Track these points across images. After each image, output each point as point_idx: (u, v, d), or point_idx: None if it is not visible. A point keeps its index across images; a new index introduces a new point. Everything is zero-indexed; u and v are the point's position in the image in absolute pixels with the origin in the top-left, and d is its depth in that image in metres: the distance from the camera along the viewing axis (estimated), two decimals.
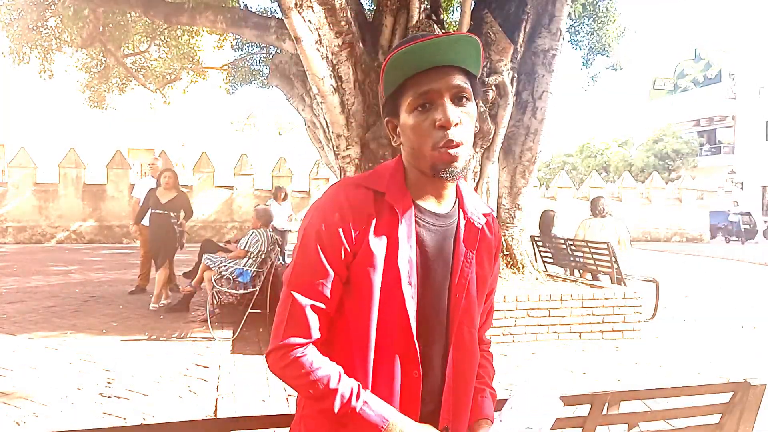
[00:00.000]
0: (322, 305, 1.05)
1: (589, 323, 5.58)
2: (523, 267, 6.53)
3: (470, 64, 1.07)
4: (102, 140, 21.66)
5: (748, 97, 34.75)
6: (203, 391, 3.90)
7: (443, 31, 6.37)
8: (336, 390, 1.01)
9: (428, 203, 1.12)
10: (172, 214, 6.68)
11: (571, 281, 6.55)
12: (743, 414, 1.47)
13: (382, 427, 1.00)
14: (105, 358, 4.61)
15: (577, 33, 11.46)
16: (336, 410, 1.01)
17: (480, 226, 1.16)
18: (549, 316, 5.48)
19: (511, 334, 5.37)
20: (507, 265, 6.50)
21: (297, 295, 1.04)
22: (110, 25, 10.69)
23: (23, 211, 15.38)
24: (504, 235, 6.60)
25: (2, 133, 22.80)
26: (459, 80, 1.05)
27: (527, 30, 6.52)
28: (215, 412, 3.55)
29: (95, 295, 7.49)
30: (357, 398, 1.01)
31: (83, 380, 4.06)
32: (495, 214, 1.26)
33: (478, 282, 1.15)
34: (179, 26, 10.77)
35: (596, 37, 11.26)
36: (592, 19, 11.01)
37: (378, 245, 1.05)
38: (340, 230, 1.04)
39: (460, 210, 1.16)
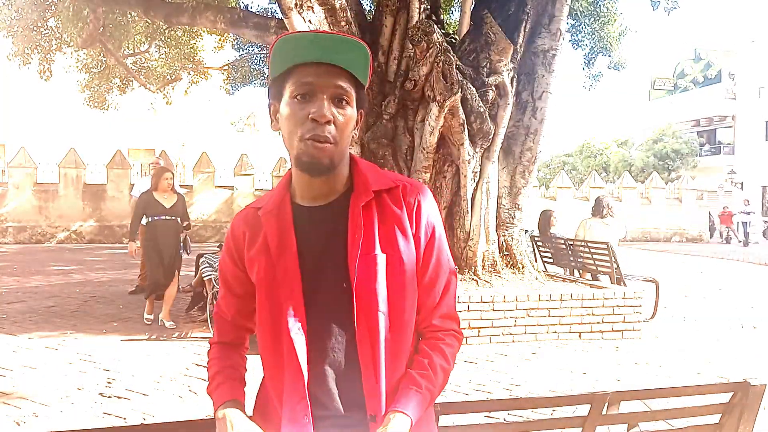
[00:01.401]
0: (227, 317, 1.25)
1: (589, 323, 5.57)
2: (522, 267, 6.53)
3: (357, 70, 1.09)
4: (102, 140, 21.65)
5: (748, 97, 34.76)
6: (203, 391, 3.90)
7: (442, 31, 6.37)
8: (212, 375, 1.23)
9: (307, 199, 1.15)
10: (178, 220, 5.96)
11: (571, 281, 6.55)
12: (743, 414, 1.47)
13: (217, 406, 1.18)
14: (105, 358, 4.62)
15: (578, 33, 11.47)
16: (208, 390, 1.22)
17: (363, 203, 1.12)
18: (549, 316, 5.48)
19: (511, 334, 5.37)
20: (507, 265, 6.51)
21: (215, 307, 1.28)
22: (110, 26, 10.70)
23: (23, 211, 15.39)
24: (504, 235, 6.60)
25: (2, 133, 22.81)
26: (342, 82, 1.07)
27: (527, 30, 6.52)
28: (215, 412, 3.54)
29: (95, 295, 7.49)
30: (218, 380, 1.20)
31: (83, 380, 4.06)
32: (416, 184, 1.19)
33: (389, 263, 1.11)
34: (179, 26, 10.77)
35: (597, 37, 11.27)
36: (593, 19, 11.02)
37: (253, 254, 1.16)
38: (228, 256, 1.22)
39: (352, 195, 1.14)
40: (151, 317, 5.93)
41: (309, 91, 1.06)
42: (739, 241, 20.88)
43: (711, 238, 22.15)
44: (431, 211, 1.18)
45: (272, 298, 1.12)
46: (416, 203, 1.15)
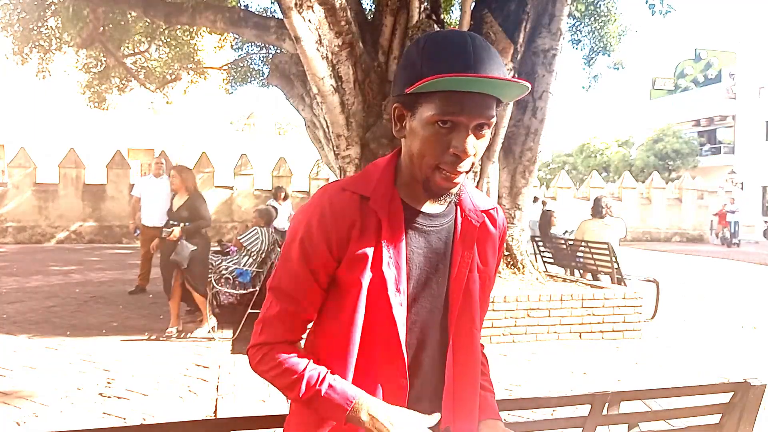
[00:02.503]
0: (298, 310, 1.07)
1: (589, 323, 5.57)
2: (523, 267, 6.53)
3: (507, 96, 1.01)
4: (102, 140, 21.66)
5: (748, 97, 34.75)
6: (203, 391, 3.90)
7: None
8: (302, 376, 1.03)
9: (420, 203, 1.09)
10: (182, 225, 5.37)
11: (571, 281, 6.55)
12: (743, 414, 1.46)
13: (347, 408, 1.00)
14: (105, 358, 4.61)
15: (578, 33, 11.47)
16: (301, 395, 1.02)
17: (478, 224, 1.13)
18: (549, 316, 5.48)
19: (511, 334, 5.37)
20: (507, 265, 6.50)
21: (275, 299, 1.08)
22: (110, 25, 10.70)
23: (23, 211, 15.38)
24: None
25: (2, 133, 22.80)
26: (491, 112, 0.98)
27: (527, 30, 6.52)
28: (215, 412, 3.55)
29: (95, 295, 7.49)
30: (322, 382, 1.02)
31: (83, 380, 4.06)
32: (498, 206, 1.24)
33: (481, 280, 1.14)
34: (179, 26, 10.77)
35: (597, 37, 11.27)
36: (593, 18, 11.02)
37: (361, 252, 1.03)
38: (322, 237, 1.03)
39: (458, 207, 1.13)
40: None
41: (456, 121, 0.97)
42: (732, 242, 19.98)
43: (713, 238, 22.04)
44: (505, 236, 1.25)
45: (376, 301, 1.05)
46: (503, 227, 1.20)
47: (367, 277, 1.03)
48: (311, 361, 1.06)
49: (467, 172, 1.02)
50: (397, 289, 1.04)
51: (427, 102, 0.97)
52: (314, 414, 1.07)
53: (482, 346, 1.28)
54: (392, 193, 1.07)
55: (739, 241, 20.64)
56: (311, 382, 1.02)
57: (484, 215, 1.16)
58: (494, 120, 1.01)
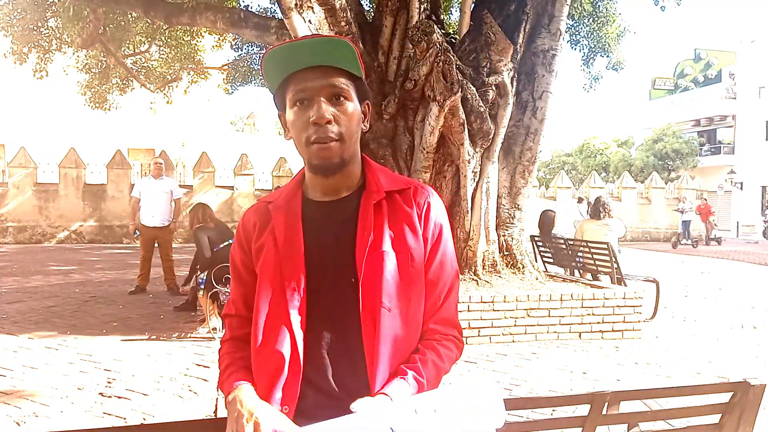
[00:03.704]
0: (234, 311, 1.26)
1: (589, 323, 5.58)
2: (523, 267, 6.53)
3: (348, 65, 1.12)
4: (102, 140, 21.66)
5: (748, 97, 34.76)
6: (203, 391, 3.90)
7: (442, 31, 6.37)
8: (223, 368, 1.21)
9: (319, 195, 1.19)
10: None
11: (571, 281, 6.55)
12: (743, 414, 1.47)
13: (229, 391, 1.12)
14: (105, 358, 4.62)
15: (577, 33, 11.47)
16: (219, 382, 1.20)
17: (375, 202, 1.15)
18: (549, 316, 5.48)
19: (511, 334, 5.37)
20: (507, 265, 6.50)
21: (225, 306, 1.29)
22: (110, 26, 10.70)
23: (23, 211, 15.39)
24: (504, 235, 6.60)
25: (2, 133, 22.80)
26: (335, 80, 1.11)
27: (527, 30, 6.52)
28: (215, 412, 3.55)
29: (95, 295, 7.49)
30: (228, 371, 1.18)
31: (83, 380, 4.06)
32: (425, 187, 1.23)
33: (398, 259, 1.13)
34: (179, 26, 10.77)
35: (596, 38, 11.27)
36: (591, 19, 11.02)
37: (259, 244, 1.19)
38: (237, 242, 1.25)
39: (363, 192, 1.18)
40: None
41: (306, 96, 1.11)
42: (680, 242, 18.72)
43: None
44: (439, 214, 1.21)
45: (274, 287, 1.15)
46: (426, 204, 1.20)
47: (267, 267, 1.16)
48: (240, 356, 1.20)
49: (340, 142, 1.11)
50: (293, 273, 1.13)
51: (287, 94, 1.14)
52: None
53: (446, 334, 1.19)
54: (296, 193, 1.22)
55: (719, 238, 20.16)
56: (225, 371, 1.19)
57: (396, 194, 1.18)
58: (348, 89, 1.13)
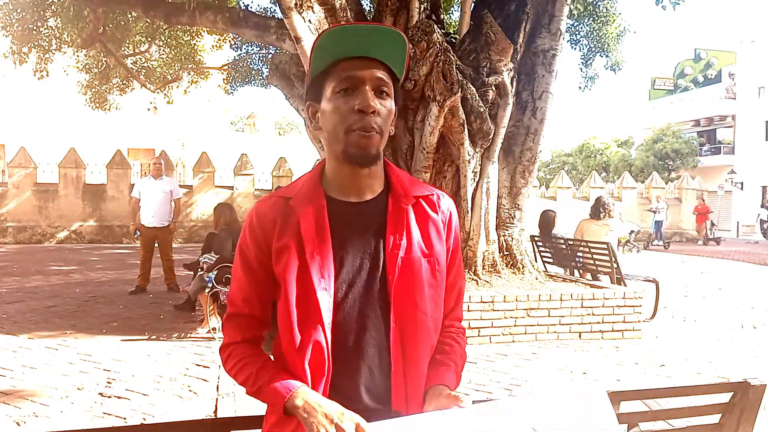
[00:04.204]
0: (248, 312, 1.19)
1: (589, 323, 5.58)
2: (523, 267, 6.53)
3: (395, 63, 1.11)
4: (102, 140, 21.66)
5: (748, 97, 34.76)
6: (203, 391, 3.90)
7: (442, 31, 6.37)
8: (254, 371, 1.13)
9: (344, 194, 1.16)
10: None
11: (571, 281, 6.55)
12: (743, 414, 1.47)
13: (286, 396, 1.05)
14: (105, 358, 4.62)
15: (577, 33, 11.47)
16: (251, 389, 1.12)
17: (406, 207, 1.16)
18: (549, 316, 5.48)
19: (511, 333, 5.37)
20: (507, 265, 6.50)
21: (230, 305, 1.21)
22: (110, 26, 10.69)
23: (23, 211, 15.38)
24: (504, 235, 6.60)
25: (2, 133, 22.80)
26: (382, 74, 1.09)
27: (527, 30, 6.52)
28: (215, 412, 3.55)
29: (95, 295, 7.49)
30: (270, 376, 1.10)
31: (83, 380, 4.06)
32: (444, 194, 1.26)
33: (428, 262, 1.15)
34: (179, 26, 10.77)
35: (595, 37, 11.26)
36: (591, 19, 11.01)
37: (282, 245, 1.12)
38: (252, 237, 1.16)
39: (390, 196, 1.17)
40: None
41: (352, 84, 1.08)
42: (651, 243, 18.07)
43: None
44: (458, 222, 1.26)
45: (302, 293, 1.11)
46: (449, 212, 1.22)
47: (293, 268, 1.11)
48: (267, 358, 1.16)
49: (380, 135, 1.09)
50: (321, 275, 1.10)
51: (328, 81, 1.10)
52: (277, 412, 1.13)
53: (460, 328, 1.27)
54: (317, 191, 1.16)
55: (718, 238, 20.01)
56: (261, 376, 1.11)
57: (423, 200, 1.19)
58: (391, 87, 1.11)
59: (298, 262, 1.11)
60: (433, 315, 1.16)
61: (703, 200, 20.58)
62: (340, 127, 1.09)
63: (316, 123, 1.16)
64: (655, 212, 18.83)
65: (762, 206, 21.84)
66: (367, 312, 1.12)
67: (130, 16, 10.76)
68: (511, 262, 6.55)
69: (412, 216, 1.16)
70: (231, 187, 17.09)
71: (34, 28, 10.10)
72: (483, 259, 6.29)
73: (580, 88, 12.54)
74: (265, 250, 1.15)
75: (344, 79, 1.08)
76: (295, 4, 5.42)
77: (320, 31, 1.12)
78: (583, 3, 10.44)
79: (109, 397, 3.75)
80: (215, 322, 5.47)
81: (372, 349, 1.12)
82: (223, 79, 14.47)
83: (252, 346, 1.19)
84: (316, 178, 1.19)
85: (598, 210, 7.04)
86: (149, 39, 12.31)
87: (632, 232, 16.32)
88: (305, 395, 1.04)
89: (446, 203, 1.23)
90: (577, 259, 7.09)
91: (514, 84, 6.38)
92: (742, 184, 32.36)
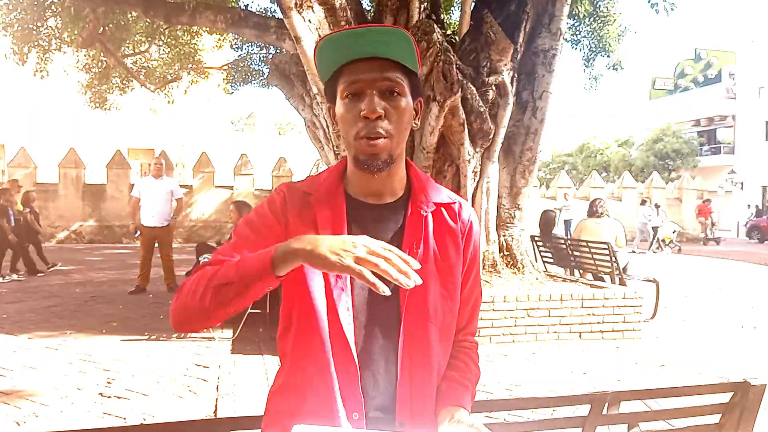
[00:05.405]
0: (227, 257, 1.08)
1: (589, 323, 5.57)
2: (523, 267, 6.53)
3: (405, 58, 1.08)
4: (102, 140, 21.65)
5: (748, 97, 34.76)
6: (203, 391, 3.90)
7: (442, 31, 6.37)
8: (222, 264, 1.03)
9: (364, 195, 1.13)
10: None
11: (571, 281, 6.55)
12: (743, 414, 1.47)
13: (272, 252, 0.96)
14: (105, 358, 4.61)
15: (577, 33, 11.46)
16: (224, 280, 0.99)
17: (425, 214, 1.13)
18: (549, 316, 5.48)
19: (511, 334, 5.37)
20: (507, 265, 6.50)
21: (215, 254, 1.10)
22: (110, 25, 10.68)
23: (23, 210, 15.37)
24: (504, 235, 6.60)
25: (2, 133, 22.79)
26: (390, 74, 1.06)
27: (527, 30, 6.51)
28: (215, 412, 3.55)
29: (95, 295, 7.49)
30: (239, 260, 1.02)
31: (83, 380, 4.06)
32: (466, 203, 1.22)
33: (440, 273, 1.12)
34: (179, 26, 10.77)
35: (596, 37, 11.25)
36: (592, 19, 11.00)
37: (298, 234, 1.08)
38: (269, 209, 1.12)
39: (411, 201, 1.14)
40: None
41: (359, 89, 1.06)
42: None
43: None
44: (477, 232, 1.22)
45: (314, 286, 1.07)
46: (469, 223, 1.19)
47: (309, 267, 1.05)
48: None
49: (389, 139, 1.06)
50: (338, 275, 1.06)
51: (338, 85, 1.08)
52: (286, 401, 1.11)
53: (473, 343, 1.25)
54: (337, 189, 1.14)
55: (718, 238, 19.96)
56: (231, 262, 1.03)
57: (443, 208, 1.16)
58: (403, 85, 1.07)
59: None
60: (444, 328, 1.13)
61: (708, 200, 20.60)
62: (350, 134, 1.07)
63: (336, 125, 1.16)
64: (559, 210, 16.88)
65: (748, 206, 21.75)
66: (378, 319, 1.09)
67: (130, 16, 10.75)
68: (511, 262, 6.55)
69: (430, 224, 1.14)
70: (231, 187, 17.09)
71: (34, 28, 10.10)
72: (483, 259, 6.29)
73: (584, 87, 12.55)
74: (281, 219, 1.11)
75: (350, 85, 1.06)
76: (295, 4, 5.42)
77: (320, 32, 1.09)
78: (591, 2, 10.41)
79: (109, 397, 3.75)
80: None
81: (380, 357, 1.09)
82: (223, 79, 14.47)
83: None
84: (338, 175, 1.16)
85: (593, 210, 7.09)
86: (149, 39, 12.30)
87: (674, 231, 16.95)
88: (292, 240, 0.97)
89: (467, 212, 1.20)
90: (577, 259, 7.09)
91: (514, 84, 6.38)
92: (742, 184, 32.36)
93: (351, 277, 1.05)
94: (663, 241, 16.84)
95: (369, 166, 1.07)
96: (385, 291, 0.89)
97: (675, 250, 16.76)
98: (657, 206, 17.22)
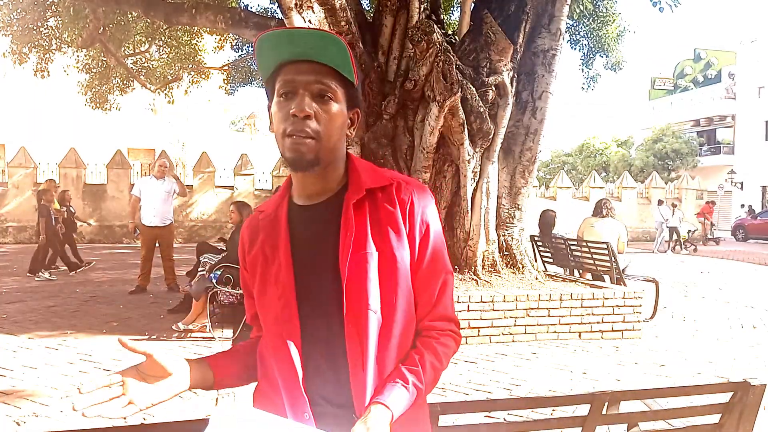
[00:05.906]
0: (248, 320, 1.30)
1: (589, 323, 5.58)
2: (522, 267, 6.53)
3: (340, 65, 1.09)
4: (102, 140, 21.64)
5: (748, 97, 34.78)
6: (203, 391, 3.90)
7: (442, 31, 6.37)
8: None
9: (303, 198, 1.17)
10: None
11: (571, 281, 6.55)
12: (743, 414, 1.47)
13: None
14: (105, 358, 4.62)
15: (576, 33, 11.45)
16: None
17: (356, 203, 1.11)
18: (549, 315, 5.48)
19: (510, 333, 5.37)
20: (507, 265, 6.51)
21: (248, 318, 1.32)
22: (111, 25, 10.69)
23: (23, 211, 15.38)
24: (504, 235, 6.60)
25: (2, 133, 22.79)
26: (324, 79, 1.08)
27: (527, 30, 6.52)
28: None
29: (95, 295, 7.49)
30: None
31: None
32: (411, 181, 1.17)
33: (383, 258, 1.09)
34: (179, 26, 10.77)
35: (595, 38, 11.25)
36: (591, 19, 11.00)
37: (253, 258, 1.19)
38: (241, 258, 1.24)
39: (345, 193, 1.14)
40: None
41: (291, 89, 1.08)
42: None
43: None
44: (426, 209, 1.15)
45: (267, 298, 1.14)
46: (410, 201, 1.13)
47: (256, 280, 1.17)
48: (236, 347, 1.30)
49: (316, 140, 1.07)
50: (276, 285, 1.12)
51: (275, 85, 1.11)
52: (257, 403, 1.18)
53: (443, 330, 1.16)
54: (283, 199, 1.19)
55: (718, 238, 20.07)
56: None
57: (379, 192, 1.13)
58: (336, 91, 1.09)
59: (262, 271, 1.15)
60: (390, 315, 1.09)
61: (713, 201, 20.67)
62: (279, 131, 1.08)
63: (271, 124, 1.14)
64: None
65: (742, 206, 21.74)
66: (326, 315, 1.10)
67: (130, 16, 10.76)
68: (511, 262, 6.55)
69: (366, 210, 1.12)
70: (231, 187, 17.10)
71: (34, 28, 10.10)
72: (483, 259, 6.29)
73: (582, 88, 12.54)
74: (245, 266, 1.23)
75: (284, 84, 1.08)
76: (295, 4, 5.42)
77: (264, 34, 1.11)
78: (592, 1, 10.40)
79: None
80: (204, 320, 5.47)
81: (331, 352, 1.09)
82: (224, 80, 14.48)
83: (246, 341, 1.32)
84: (286, 187, 1.21)
85: (599, 210, 7.07)
86: (149, 39, 12.31)
87: (689, 231, 17.09)
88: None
89: (406, 192, 1.13)
90: (576, 259, 7.09)
91: (514, 84, 6.38)
92: (742, 184, 32.37)
93: (296, 281, 1.12)
94: (680, 241, 16.88)
95: (294, 165, 1.09)
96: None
97: (691, 250, 16.82)
98: (674, 206, 17.02)
